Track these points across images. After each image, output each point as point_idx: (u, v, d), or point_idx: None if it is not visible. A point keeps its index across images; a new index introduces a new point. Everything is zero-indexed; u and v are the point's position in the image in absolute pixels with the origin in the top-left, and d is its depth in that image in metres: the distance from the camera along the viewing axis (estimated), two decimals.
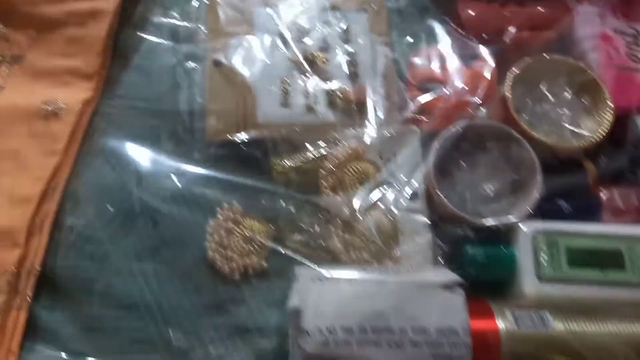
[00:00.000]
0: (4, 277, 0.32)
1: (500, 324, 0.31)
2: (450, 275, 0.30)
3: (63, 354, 0.33)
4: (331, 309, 0.27)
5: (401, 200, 0.37)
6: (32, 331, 0.33)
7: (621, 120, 0.41)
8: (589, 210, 0.39)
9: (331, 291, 0.28)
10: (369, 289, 0.28)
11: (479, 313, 0.31)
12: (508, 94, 0.40)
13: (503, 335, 0.30)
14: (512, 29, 0.42)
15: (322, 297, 0.28)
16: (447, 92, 0.39)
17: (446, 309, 0.28)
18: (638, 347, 0.31)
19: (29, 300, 0.33)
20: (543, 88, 0.41)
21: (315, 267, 0.31)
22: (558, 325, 0.31)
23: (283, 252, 0.35)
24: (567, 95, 0.41)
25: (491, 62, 0.40)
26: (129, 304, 0.34)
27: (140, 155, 0.37)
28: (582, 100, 0.41)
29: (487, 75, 0.40)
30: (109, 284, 0.35)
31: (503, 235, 0.37)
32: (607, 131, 0.39)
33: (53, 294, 0.34)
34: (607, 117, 0.40)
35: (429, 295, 0.29)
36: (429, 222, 0.36)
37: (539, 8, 0.44)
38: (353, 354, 0.26)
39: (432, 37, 0.43)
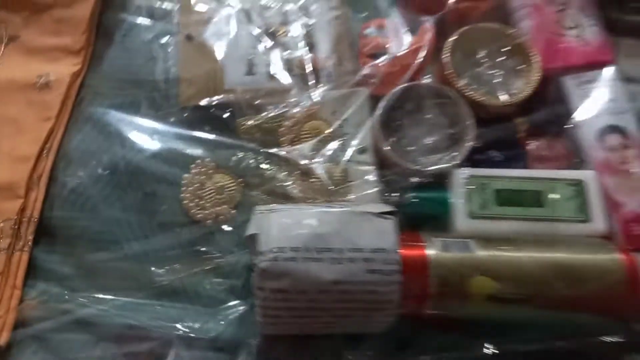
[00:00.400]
0: (8, 223, 0.38)
1: (430, 249, 0.36)
2: (384, 207, 0.35)
3: (59, 290, 0.38)
4: (281, 233, 0.33)
5: (351, 153, 0.42)
6: (33, 270, 0.39)
7: (551, 80, 0.47)
8: (517, 158, 0.44)
9: (281, 219, 0.33)
10: (314, 216, 0.34)
11: (412, 241, 0.37)
12: (446, 58, 0.45)
13: (431, 257, 0.36)
14: (451, 1, 0.47)
15: (274, 224, 0.33)
16: (392, 59, 0.45)
17: (379, 232, 0.34)
18: (552, 267, 0.37)
19: (30, 244, 0.38)
20: (480, 53, 0.47)
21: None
22: (480, 251, 0.37)
23: (249, 199, 0.41)
24: (501, 58, 0.47)
25: (430, 32, 0.45)
26: (115, 248, 0.40)
27: (123, 120, 0.43)
28: (514, 62, 0.47)
29: (427, 43, 0.45)
30: (98, 231, 0.40)
31: (441, 181, 0.43)
32: (533, 89, 0.44)
33: (50, 239, 0.40)
34: (535, 77, 0.45)
35: (365, 221, 0.34)
36: (376, 172, 0.42)
37: None
38: (299, 269, 0.32)
39: (381, 12, 0.48)
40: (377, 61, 0.45)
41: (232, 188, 0.41)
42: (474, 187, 0.41)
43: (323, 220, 0.34)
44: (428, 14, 0.47)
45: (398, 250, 0.34)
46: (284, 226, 0.33)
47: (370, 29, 0.47)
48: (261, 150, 0.41)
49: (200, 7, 0.45)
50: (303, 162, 0.41)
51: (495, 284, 0.35)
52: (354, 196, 0.41)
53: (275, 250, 0.32)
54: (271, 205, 0.36)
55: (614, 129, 0.44)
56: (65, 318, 0.36)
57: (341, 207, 0.36)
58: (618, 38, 0.51)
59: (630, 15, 0.52)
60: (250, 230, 0.34)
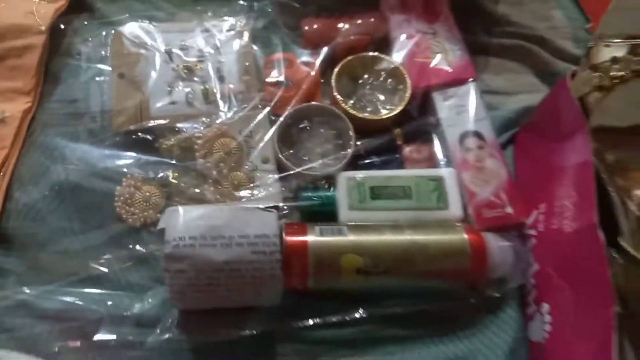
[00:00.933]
0: None
1: (310, 235, 0.45)
2: (269, 203, 0.45)
3: (16, 285, 0.47)
4: (183, 225, 0.41)
5: (256, 164, 0.52)
6: None
7: (422, 95, 0.57)
8: (393, 162, 0.53)
9: (184, 215, 0.42)
10: (210, 212, 0.43)
11: (297, 229, 0.46)
12: (333, 83, 0.55)
13: (311, 241, 0.45)
14: (339, 38, 0.57)
15: (178, 219, 0.42)
16: (289, 85, 0.54)
17: (262, 222, 0.43)
18: (410, 246, 0.45)
19: None
20: (364, 77, 0.57)
21: None
22: (351, 235, 0.46)
23: (171, 205, 0.50)
24: (380, 81, 0.56)
25: (317, 64, 0.55)
26: (61, 250, 0.48)
27: (66, 146, 0.51)
28: (391, 83, 0.56)
29: (316, 72, 0.55)
30: (46, 237, 0.48)
31: (329, 182, 0.52)
32: (405, 105, 0.54)
33: (7, 244, 0.48)
34: (407, 95, 0.55)
35: (252, 214, 0.43)
36: (277, 177, 0.51)
37: (364, 19, 0.59)
38: (196, 253, 0.41)
39: (282, 48, 0.58)
40: (277, 87, 0.55)
41: (157, 196, 0.50)
42: (353, 185, 0.50)
43: (217, 215, 0.43)
44: (320, 47, 0.57)
45: (277, 235, 0.43)
46: (185, 220, 0.42)
47: (272, 62, 0.57)
48: (179, 164, 0.51)
49: (130, 50, 0.55)
50: (214, 171, 0.50)
51: (361, 259, 0.45)
52: (258, 196, 0.50)
53: (177, 239, 0.41)
54: (180, 206, 0.45)
55: (472, 133, 0.54)
56: (8, 302, 0.45)
57: (236, 205, 0.45)
58: (487, 57, 0.62)
59: (495, 39, 0.62)
60: (160, 225, 0.43)
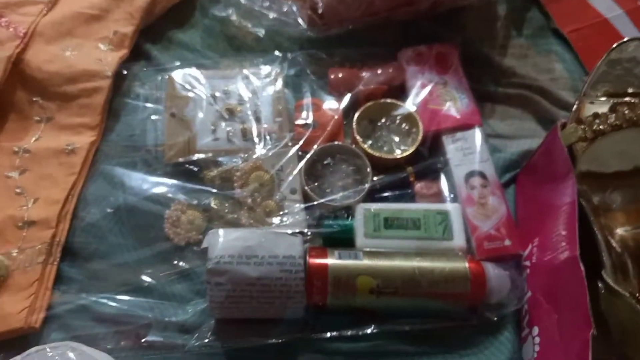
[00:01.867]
0: (44, 245, 0.54)
1: (330, 258, 0.52)
2: (296, 229, 0.51)
3: (78, 292, 0.54)
4: (222, 245, 0.48)
5: (285, 194, 0.59)
6: (59, 279, 0.54)
7: (433, 138, 0.63)
8: (405, 196, 0.60)
9: (224, 236, 0.49)
10: (245, 234, 0.50)
11: (319, 253, 0.52)
12: (354, 125, 0.62)
13: (330, 264, 0.51)
14: (361, 86, 0.64)
15: (218, 239, 0.49)
16: (316, 126, 0.62)
17: (289, 245, 0.49)
18: (417, 270, 0.51)
19: (58, 260, 0.55)
20: (382, 121, 0.64)
21: None
22: (366, 259, 0.52)
23: (212, 227, 0.57)
24: (396, 124, 0.63)
25: (340, 108, 0.63)
26: (117, 263, 0.55)
27: (124, 174, 0.59)
28: (406, 127, 0.63)
29: (338, 116, 0.62)
30: (105, 252, 0.56)
31: (348, 213, 0.58)
32: (417, 146, 0.61)
33: (72, 257, 0.56)
34: (419, 137, 0.61)
35: (280, 238, 0.50)
36: (303, 207, 0.58)
37: (383, 69, 0.67)
38: (234, 269, 0.47)
39: (311, 93, 0.66)
40: (305, 128, 0.62)
41: (200, 220, 0.57)
42: (369, 215, 0.57)
43: (252, 237, 0.50)
44: (343, 93, 0.65)
45: (302, 257, 0.49)
46: (225, 241, 0.49)
47: (302, 106, 0.64)
48: (220, 193, 0.58)
49: (181, 94, 0.63)
50: (249, 200, 0.57)
51: (374, 281, 0.51)
52: (286, 223, 0.57)
53: (218, 257, 0.48)
54: (220, 229, 0.52)
55: (477, 173, 0.59)
56: (72, 306, 0.52)
57: (267, 229, 0.52)
58: (493, 104, 0.69)
59: (501, 89, 0.69)
60: (204, 244, 0.50)
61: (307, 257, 0.51)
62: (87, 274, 0.55)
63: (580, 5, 0.72)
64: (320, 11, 0.66)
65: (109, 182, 0.59)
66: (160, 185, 0.59)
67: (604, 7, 0.71)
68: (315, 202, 0.57)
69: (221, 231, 0.50)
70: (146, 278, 0.54)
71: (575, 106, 0.51)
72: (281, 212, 0.57)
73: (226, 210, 0.57)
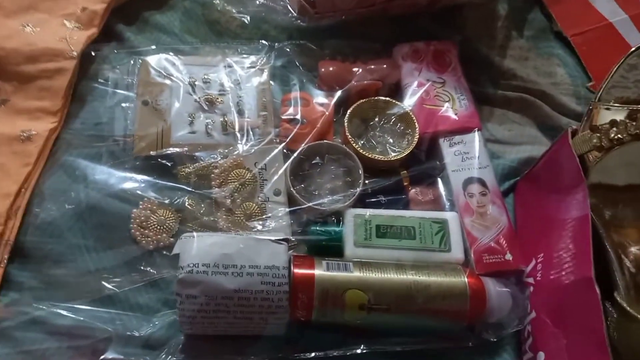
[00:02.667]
0: None
1: (317, 269, 0.46)
2: (280, 235, 0.45)
3: (29, 300, 0.47)
4: (196, 252, 0.42)
5: (268, 195, 0.53)
6: (7, 283, 0.47)
7: (429, 140, 0.59)
8: (398, 202, 0.55)
9: (198, 242, 0.43)
10: (223, 240, 0.44)
11: (305, 263, 0.46)
12: (346, 123, 0.56)
13: (317, 275, 0.45)
14: (353, 81, 0.59)
15: (192, 246, 0.43)
16: (303, 123, 0.56)
17: (272, 254, 0.43)
18: (412, 285, 0.46)
19: (5, 262, 0.47)
20: (375, 120, 0.59)
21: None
22: (356, 271, 0.47)
23: (185, 230, 0.51)
24: (390, 124, 0.58)
25: (331, 104, 0.57)
26: (75, 268, 0.48)
27: (87, 166, 0.52)
28: (401, 127, 0.58)
29: (329, 112, 0.57)
30: (62, 254, 0.49)
31: (337, 218, 0.53)
32: (413, 149, 0.56)
33: (23, 259, 0.48)
34: (415, 139, 0.56)
35: (263, 245, 0.44)
36: (288, 210, 0.52)
37: (377, 65, 0.61)
38: (208, 279, 0.41)
39: (298, 86, 0.60)
40: (292, 124, 0.56)
41: (172, 220, 0.51)
42: (360, 222, 0.51)
43: (230, 243, 0.44)
44: (334, 88, 0.59)
45: (286, 267, 0.44)
46: (199, 247, 0.43)
47: (289, 100, 0.58)
48: (195, 192, 0.52)
49: (155, 80, 0.57)
50: (228, 200, 0.51)
51: (364, 295, 0.45)
52: (268, 227, 0.51)
53: (190, 265, 0.42)
54: (193, 232, 0.45)
55: (476, 180, 0.55)
56: (23, 318, 0.45)
57: (248, 235, 0.46)
58: (492, 108, 0.64)
59: (500, 91, 0.64)
60: (175, 250, 0.44)
61: (292, 267, 0.45)
62: (39, 279, 0.48)
63: (584, 8, 0.68)
64: None
65: (70, 175, 0.52)
66: (128, 180, 0.52)
67: (608, 10, 0.67)
68: (302, 207, 0.51)
69: (195, 236, 0.44)
70: (108, 285, 0.47)
71: (587, 112, 0.46)
72: (264, 216, 0.51)
73: (202, 212, 0.51)
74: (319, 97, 0.58)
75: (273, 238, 0.45)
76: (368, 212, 0.52)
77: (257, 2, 0.63)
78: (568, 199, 0.47)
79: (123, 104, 0.56)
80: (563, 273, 0.44)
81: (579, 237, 0.44)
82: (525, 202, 0.54)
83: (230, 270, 0.42)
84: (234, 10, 0.64)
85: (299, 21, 0.62)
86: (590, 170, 0.46)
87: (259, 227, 0.50)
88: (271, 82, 0.59)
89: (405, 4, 0.63)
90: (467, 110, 0.59)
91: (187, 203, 0.51)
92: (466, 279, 0.47)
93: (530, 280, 0.48)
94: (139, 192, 0.51)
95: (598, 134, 0.44)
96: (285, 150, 0.54)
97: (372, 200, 0.54)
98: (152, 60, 0.58)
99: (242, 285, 0.42)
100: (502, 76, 0.65)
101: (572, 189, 0.47)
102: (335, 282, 0.45)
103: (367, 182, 0.54)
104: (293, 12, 0.62)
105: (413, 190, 0.55)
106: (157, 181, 0.52)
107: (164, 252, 0.50)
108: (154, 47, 0.61)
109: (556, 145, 0.51)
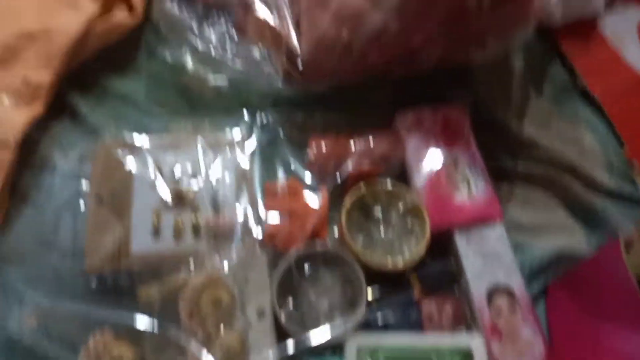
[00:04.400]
0: None
1: None
2: None
3: None
4: None
5: (250, 319, 0.41)
6: None
7: (443, 236, 0.47)
8: (409, 317, 0.43)
9: None
10: None
11: None
12: (343, 220, 0.45)
13: None
14: (350, 164, 0.47)
15: None
16: (293, 218, 0.44)
17: None
18: None
19: None
20: (377, 212, 0.47)
21: None
22: None
23: None
24: (396, 218, 0.47)
25: (325, 196, 0.46)
26: None
27: (25, 292, 0.40)
28: (408, 222, 0.47)
29: (323, 205, 0.45)
30: None
31: (335, 347, 0.41)
32: (424, 251, 0.44)
33: None
34: (425, 238, 0.44)
35: None
36: (274, 340, 0.41)
37: (377, 141, 0.49)
38: None
39: (286, 168, 0.48)
40: (279, 220, 0.45)
41: (130, 359, 0.40)
42: (363, 355, 0.40)
43: None
44: (328, 169, 0.48)
45: None
46: None
47: (275, 189, 0.47)
48: (160, 321, 0.40)
49: (114, 169, 0.45)
50: (200, 333, 0.40)
51: None
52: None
53: None
54: None
55: (502, 290, 0.44)
56: None
57: None
58: (511, 185, 0.53)
59: (520, 165, 0.53)
60: None
61: None
62: None
63: (612, 61, 0.57)
64: (299, 62, 0.49)
65: (4, 301, 0.41)
66: (76, 307, 0.40)
67: None
68: (292, 339, 0.40)
69: None
70: None
71: None
72: (250, 349, 0.39)
73: (167, 348, 0.39)
74: (310, 186, 0.47)
75: None
76: (373, 340, 0.41)
77: (236, 65, 0.52)
78: (627, 332, 0.36)
79: (74, 201, 0.44)
80: None
81: None
82: (562, 316, 0.43)
83: None
84: (209, 75, 0.53)
85: (285, 87, 0.51)
86: None
87: None
88: (254, 164, 0.48)
89: (407, 69, 0.51)
90: (485, 194, 0.48)
91: (148, 336, 0.40)
92: None
93: None
94: (89, 323, 0.40)
95: None
96: (267, 254, 0.43)
97: (375, 317, 0.43)
98: (111, 142, 0.46)
99: None
100: (521, 146, 0.53)
101: (634, 319, 0.36)
102: None
103: (369, 298, 0.43)
104: (278, 76, 0.51)
105: (427, 304, 0.43)
106: (113, 308, 0.40)
107: None
108: (113, 124, 0.49)
109: (602, 254, 0.40)
